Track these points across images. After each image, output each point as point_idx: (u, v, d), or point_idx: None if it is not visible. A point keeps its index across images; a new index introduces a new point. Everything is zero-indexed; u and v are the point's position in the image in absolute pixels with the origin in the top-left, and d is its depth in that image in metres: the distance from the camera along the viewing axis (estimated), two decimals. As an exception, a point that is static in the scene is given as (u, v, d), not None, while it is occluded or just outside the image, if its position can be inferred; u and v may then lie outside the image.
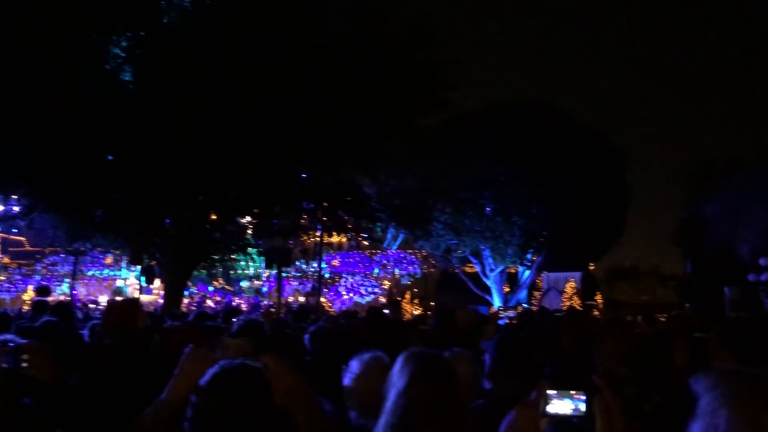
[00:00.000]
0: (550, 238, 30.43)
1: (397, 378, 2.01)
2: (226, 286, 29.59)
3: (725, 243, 29.81)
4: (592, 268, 37.40)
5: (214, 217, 19.17)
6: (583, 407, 1.56)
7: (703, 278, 35.10)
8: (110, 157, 17.03)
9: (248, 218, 21.70)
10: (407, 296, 30.16)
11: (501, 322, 13.30)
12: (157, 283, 21.63)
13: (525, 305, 30.12)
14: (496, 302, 31.32)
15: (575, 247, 29.95)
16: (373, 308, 7.61)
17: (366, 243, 31.82)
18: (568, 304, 28.71)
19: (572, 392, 1.58)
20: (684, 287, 41.84)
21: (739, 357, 4.53)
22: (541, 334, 5.72)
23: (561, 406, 1.57)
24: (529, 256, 32.09)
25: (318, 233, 23.13)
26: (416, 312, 26.46)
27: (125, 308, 3.74)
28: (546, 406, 1.58)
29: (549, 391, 1.59)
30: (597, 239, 31.83)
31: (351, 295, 28.82)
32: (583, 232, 29.16)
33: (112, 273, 30.75)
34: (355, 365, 3.07)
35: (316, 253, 26.08)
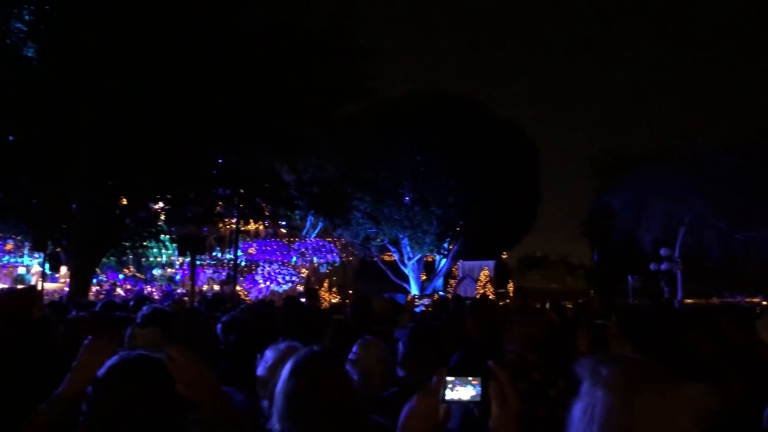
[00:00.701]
0: (466, 228, 31.11)
1: (283, 370, 2.10)
2: (137, 274, 28.56)
3: (629, 234, 31.36)
4: (505, 256, 38.51)
5: (124, 202, 18.44)
6: (479, 393, 1.59)
7: (609, 267, 36.90)
8: (11, 138, 16.04)
9: (161, 204, 21.01)
10: (325, 285, 30.12)
11: (417, 309, 13.49)
12: (63, 270, 20.63)
13: (441, 293, 30.72)
14: (414, 290, 31.77)
15: (490, 236, 30.73)
16: (290, 297, 7.52)
17: (284, 231, 31.50)
18: (481, 291, 29.52)
19: (470, 378, 1.60)
20: (591, 275, 43.89)
21: (636, 343, 4.79)
22: (453, 321, 5.82)
23: (459, 392, 1.59)
24: (445, 245, 32.69)
25: (234, 220, 22.68)
26: (334, 300, 26.48)
27: (19, 297, 3.52)
28: (445, 392, 1.60)
29: (448, 378, 1.61)
30: (510, 229, 32.78)
31: (268, 283, 28.44)
32: (498, 222, 29.96)
33: (12, 260, 29.05)
34: (269, 354, 3.03)
35: (232, 240, 25.59)
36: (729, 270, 32.16)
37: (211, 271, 29.20)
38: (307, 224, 32.73)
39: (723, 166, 29.25)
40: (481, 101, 32.48)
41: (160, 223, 22.10)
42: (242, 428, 1.87)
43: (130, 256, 26.71)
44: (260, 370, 3.01)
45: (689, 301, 27.64)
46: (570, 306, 11.63)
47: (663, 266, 27.56)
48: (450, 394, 1.59)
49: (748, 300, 27.88)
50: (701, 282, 32.49)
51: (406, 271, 32.85)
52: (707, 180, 29.61)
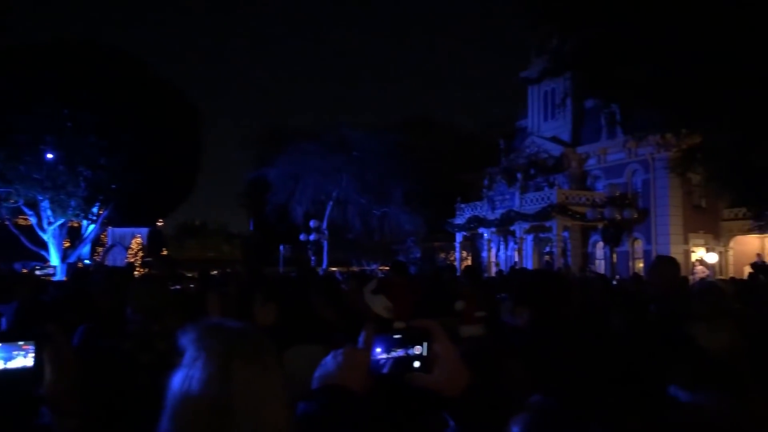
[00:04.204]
0: (119, 192, 29.16)
1: None
2: None
3: (284, 205, 33.14)
4: (161, 224, 37.28)
5: None
6: (31, 359, 1.45)
7: (264, 236, 38.43)
8: None
9: None
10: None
11: (56, 278, 12.23)
12: None
13: (86, 261, 28.39)
14: (54, 258, 28.72)
15: (145, 202, 29.38)
16: None
17: None
18: (133, 260, 28.13)
19: (21, 343, 1.45)
20: (247, 245, 45.18)
21: (280, 312, 5.02)
22: (83, 292, 5.39)
23: (9, 360, 1.43)
24: (95, 209, 30.18)
25: None
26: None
27: None
28: None
29: None
30: (168, 195, 31.75)
31: None
32: (154, 188, 28.75)
33: None
34: None
35: None
36: (367, 241, 36.20)
37: None
38: None
39: (365, 149, 32.70)
40: (139, 58, 30.61)
41: None
42: None
43: None
44: None
45: (333, 269, 30.28)
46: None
47: (312, 237, 29.63)
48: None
49: (381, 268, 31.46)
50: (344, 251, 35.93)
51: (45, 237, 29.45)
52: (353, 160, 32.81)
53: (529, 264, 29.36)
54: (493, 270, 28.93)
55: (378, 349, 1.25)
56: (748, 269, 19.84)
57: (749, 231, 23.89)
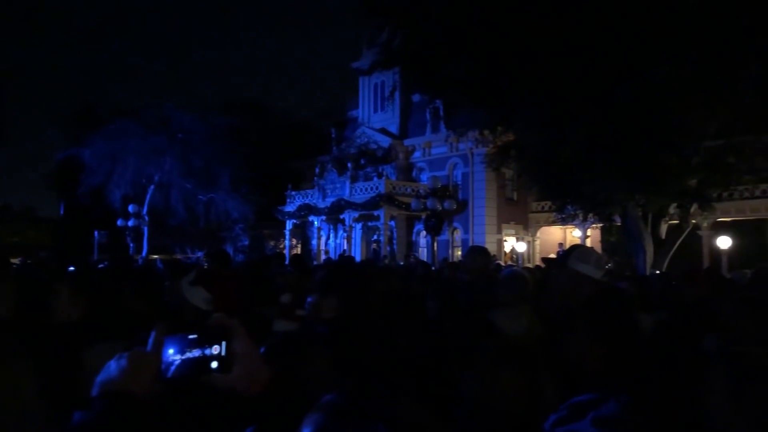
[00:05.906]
0: None
1: None
2: None
3: (100, 188, 30.87)
4: (-49, 205, 33.19)
5: None
6: None
7: (77, 221, 35.55)
8: None
9: None
10: None
11: None
12: None
13: None
14: None
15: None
16: None
17: None
18: None
19: None
20: (57, 230, 41.60)
21: (88, 306, 4.63)
22: None
23: None
24: None
25: None
26: None
27: None
28: None
29: None
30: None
31: None
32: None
33: None
34: None
35: None
36: (192, 228, 34.82)
37: None
38: None
39: (191, 130, 31.42)
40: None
41: None
42: None
43: None
44: None
45: (154, 256, 28.74)
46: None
47: (131, 222, 27.86)
48: None
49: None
50: (166, 238, 34.29)
51: None
52: (177, 141, 31.37)
53: (358, 252, 30.00)
54: (323, 258, 29.19)
55: (170, 351, 1.16)
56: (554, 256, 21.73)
57: (553, 222, 26.17)
